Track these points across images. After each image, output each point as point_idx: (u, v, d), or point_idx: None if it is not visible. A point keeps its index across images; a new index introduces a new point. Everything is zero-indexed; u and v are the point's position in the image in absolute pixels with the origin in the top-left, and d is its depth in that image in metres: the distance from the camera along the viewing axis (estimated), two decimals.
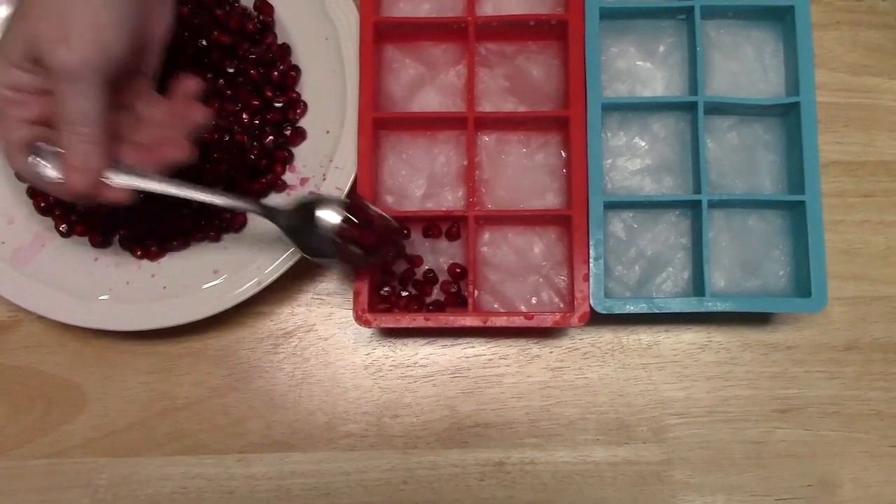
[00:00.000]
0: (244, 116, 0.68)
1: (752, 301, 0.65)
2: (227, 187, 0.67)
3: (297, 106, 0.69)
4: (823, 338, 0.70)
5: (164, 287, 0.66)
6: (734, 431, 0.69)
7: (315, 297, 0.71)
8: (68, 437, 0.69)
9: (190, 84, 0.59)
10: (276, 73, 0.69)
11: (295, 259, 0.65)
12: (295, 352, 0.70)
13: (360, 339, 0.70)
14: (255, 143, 0.68)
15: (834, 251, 0.70)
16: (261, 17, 0.70)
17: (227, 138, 0.68)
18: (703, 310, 0.64)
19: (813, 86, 0.66)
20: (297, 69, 0.69)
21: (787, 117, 0.68)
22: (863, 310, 0.70)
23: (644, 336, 0.70)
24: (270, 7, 0.70)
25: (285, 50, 0.70)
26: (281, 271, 0.65)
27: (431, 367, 0.70)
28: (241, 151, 0.67)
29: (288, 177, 0.68)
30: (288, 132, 0.69)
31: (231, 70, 0.69)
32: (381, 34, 0.68)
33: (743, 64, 0.70)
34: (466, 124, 0.67)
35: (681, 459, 0.68)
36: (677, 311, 0.64)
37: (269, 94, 0.68)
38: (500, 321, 0.64)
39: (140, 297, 0.66)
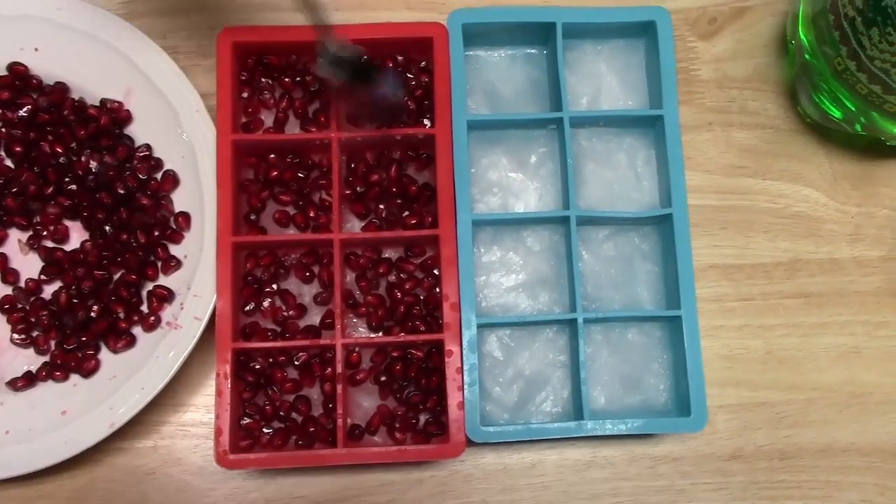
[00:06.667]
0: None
1: (631, 424, 0.63)
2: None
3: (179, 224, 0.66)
4: (709, 448, 0.68)
5: (7, 432, 0.62)
6: None
7: (179, 428, 0.66)
8: None
9: None
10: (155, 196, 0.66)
11: (152, 396, 0.61)
12: (158, 489, 0.65)
13: (229, 474, 0.66)
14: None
15: (715, 357, 0.69)
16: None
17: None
18: (581, 434, 0.62)
19: (685, 199, 0.65)
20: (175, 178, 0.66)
21: (662, 226, 0.67)
22: (746, 417, 0.69)
23: (527, 455, 0.68)
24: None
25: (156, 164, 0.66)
26: (135, 411, 0.61)
27: (308, 498, 0.66)
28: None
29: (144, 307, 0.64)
30: (159, 263, 0.65)
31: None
32: (241, 153, 0.65)
33: (616, 172, 0.69)
34: (329, 247, 0.64)
35: None
36: (556, 436, 0.62)
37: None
38: (372, 457, 0.61)
39: None
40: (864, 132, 0.67)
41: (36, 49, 0.65)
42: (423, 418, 0.65)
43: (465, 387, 0.62)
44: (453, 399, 0.62)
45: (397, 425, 0.64)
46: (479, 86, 0.69)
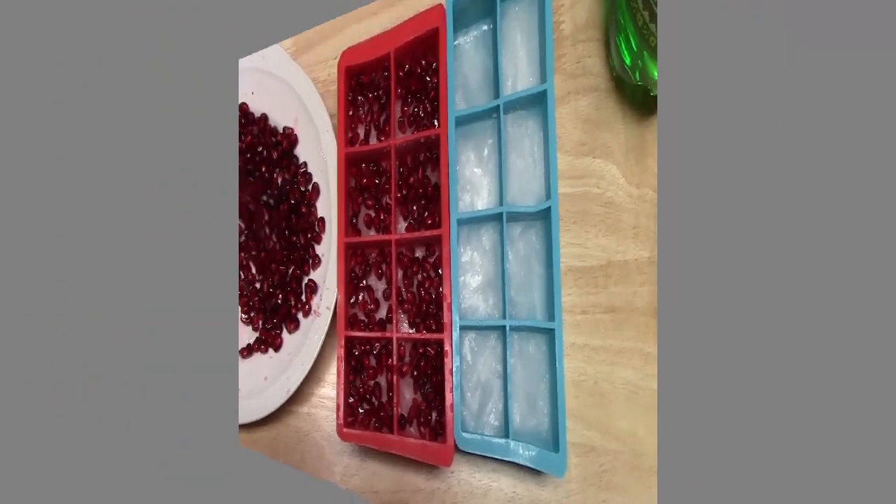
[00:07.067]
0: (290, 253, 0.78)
1: (528, 453, 0.57)
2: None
3: (320, 228, 0.76)
4: (568, 501, 0.59)
5: (239, 390, 0.80)
6: None
7: (319, 399, 0.77)
8: None
9: None
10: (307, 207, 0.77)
11: (307, 369, 0.74)
12: (310, 450, 0.76)
13: (345, 448, 0.75)
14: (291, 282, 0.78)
15: (569, 383, 0.59)
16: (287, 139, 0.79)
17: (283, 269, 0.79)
18: (507, 458, 0.59)
19: (556, 188, 0.56)
20: (318, 189, 0.77)
21: (545, 222, 0.58)
22: (586, 466, 0.58)
23: (482, 474, 0.66)
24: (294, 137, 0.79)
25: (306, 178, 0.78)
26: (300, 381, 0.74)
27: (379, 496, 0.71)
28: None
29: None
30: (310, 260, 0.77)
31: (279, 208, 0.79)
32: (349, 165, 0.73)
33: (525, 160, 0.61)
34: (390, 247, 0.69)
35: None
36: (498, 456, 0.60)
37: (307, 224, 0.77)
38: (408, 448, 0.65)
39: None
40: (640, 82, 0.53)
41: (252, 92, 0.83)
42: (434, 416, 0.66)
43: (453, 389, 0.62)
44: (447, 400, 0.62)
45: (422, 420, 0.66)
46: (458, 77, 0.66)
